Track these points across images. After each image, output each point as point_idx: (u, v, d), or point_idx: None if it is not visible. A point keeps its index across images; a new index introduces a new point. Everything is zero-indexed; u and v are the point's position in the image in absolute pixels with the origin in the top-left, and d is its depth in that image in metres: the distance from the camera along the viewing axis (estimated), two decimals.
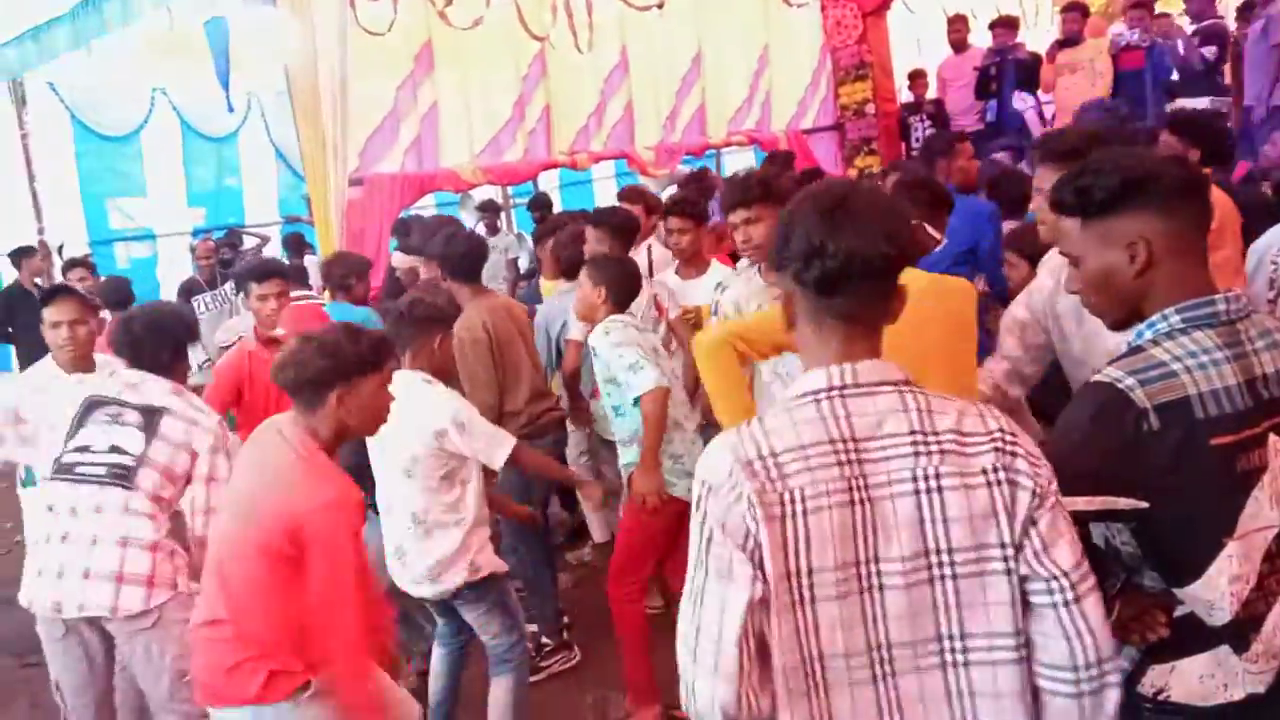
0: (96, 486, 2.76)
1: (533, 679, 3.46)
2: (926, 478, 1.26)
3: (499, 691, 3.10)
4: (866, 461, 1.26)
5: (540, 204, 8.26)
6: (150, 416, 2.86)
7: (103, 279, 7.09)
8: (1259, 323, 1.48)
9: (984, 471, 1.26)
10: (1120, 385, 1.43)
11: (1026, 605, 1.27)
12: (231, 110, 9.13)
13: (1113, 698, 1.28)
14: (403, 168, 5.95)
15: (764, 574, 1.24)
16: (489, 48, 6.36)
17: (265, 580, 2.19)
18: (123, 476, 2.78)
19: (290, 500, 2.19)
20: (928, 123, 7.97)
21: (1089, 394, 1.47)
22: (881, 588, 1.25)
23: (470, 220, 9.02)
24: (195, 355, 6.91)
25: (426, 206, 9.22)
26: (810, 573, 1.25)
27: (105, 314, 4.35)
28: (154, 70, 8.85)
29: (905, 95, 8.42)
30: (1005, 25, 8.01)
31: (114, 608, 2.69)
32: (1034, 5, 10.63)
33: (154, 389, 2.93)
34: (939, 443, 1.27)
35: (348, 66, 5.25)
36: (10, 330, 7.67)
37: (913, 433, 1.27)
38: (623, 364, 3.23)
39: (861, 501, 1.25)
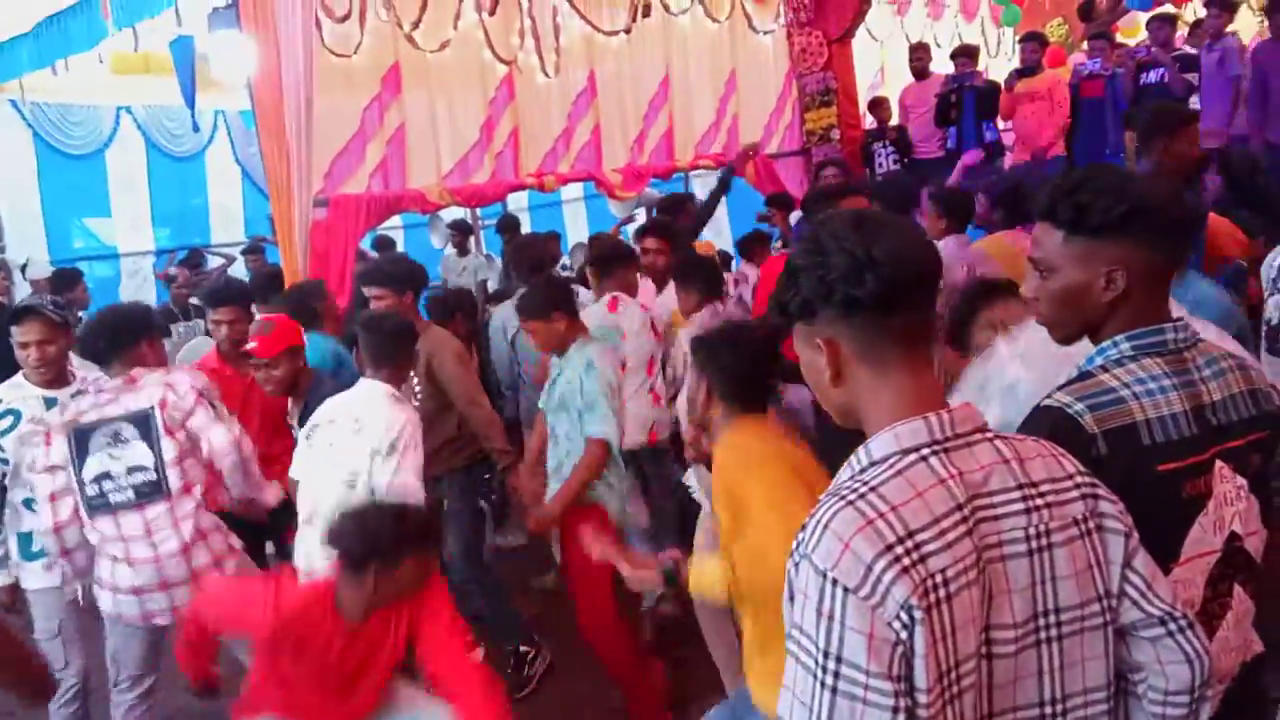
0: (136, 511, 3.06)
1: (526, 691, 3.69)
2: (1038, 535, 1.15)
3: None
4: (981, 522, 1.13)
5: (508, 225, 8.26)
6: (144, 423, 3.08)
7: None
8: (1206, 351, 1.51)
9: (1076, 522, 1.19)
10: (1070, 410, 1.43)
11: (1124, 646, 1.23)
12: (197, 129, 9.06)
13: (1208, 711, 1.28)
14: (369, 189, 5.92)
15: (911, 684, 1.06)
16: (456, 70, 6.37)
17: None
18: (155, 490, 3.07)
19: None
20: (891, 149, 8.08)
21: (1039, 419, 1.47)
22: (990, 656, 1.12)
23: (439, 241, 9.00)
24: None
25: (394, 227, 9.20)
26: (957, 665, 1.09)
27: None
28: (119, 89, 8.77)
29: (869, 122, 8.52)
30: (965, 54, 8.15)
31: None
32: (995, 35, 10.84)
33: (127, 391, 3.12)
34: (1041, 495, 1.17)
35: (313, 87, 5.23)
36: None
37: (1020, 486, 1.16)
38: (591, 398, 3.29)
39: (981, 570, 1.11)
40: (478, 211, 8.88)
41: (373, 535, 2.39)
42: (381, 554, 2.39)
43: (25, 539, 3.34)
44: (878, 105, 8.22)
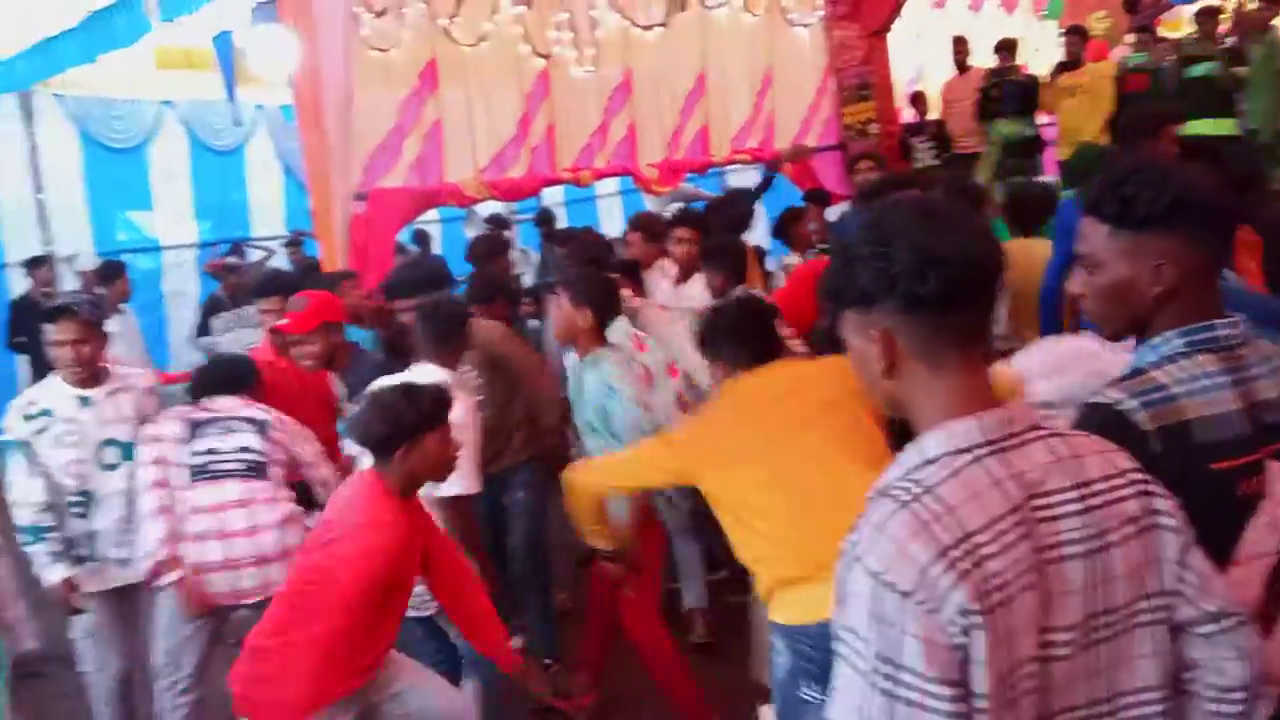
0: (239, 480, 3.17)
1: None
2: (1095, 535, 1.13)
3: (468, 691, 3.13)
4: (1039, 523, 1.10)
5: (546, 220, 8.28)
6: (260, 424, 3.29)
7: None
8: (1259, 349, 1.47)
9: (1131, 520, 1.16)
10: (1121, 408, 1.41)
11: (1180, 643, 1.20)
12: (239, 124, 9.17)
13: (1266, 710, 1.26)
14: (406, 183, 5.97)
15: (968, 689, 1.03)
16: (493, 65, 6.40)
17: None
18: (258, 470, 3.21)
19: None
20: (930, 143, 8.00)
21: (1088, 416, 1.44)
22: (1048, 659, 1.10)
23: (474, 235, 9.05)
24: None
25: (431, 221, 9.27)
26: (1016, 669, 1.06)
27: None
28: (161, 84, 8.90)
29: (907, 116, 8.45)
30: (1005, 48, 8.06)
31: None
32: (1039, 28, 10.69)
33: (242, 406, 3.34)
34: (1096, 494, 1.14)
35: (352, 82, 5.28)
36: (22, 340, 7.68)
37: (1077, 486, 1.13)
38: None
39: (1039, 572, 1.09)
40: (514, 206, 8.92)
41: (392, 416, 2.51)
42: (405, 432, 2.50)
43: (70, 544, 3.35)
44: (917, 99, 8.15)
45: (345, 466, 3.42)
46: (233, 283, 7.72)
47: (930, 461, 1.12)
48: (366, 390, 2.82)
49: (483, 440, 3.33)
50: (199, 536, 3.13)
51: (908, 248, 1.11)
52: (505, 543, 3.95)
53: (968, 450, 1.11)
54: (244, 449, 3.22)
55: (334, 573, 2.42)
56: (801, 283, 4.33)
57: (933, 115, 8.38)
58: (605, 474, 2.91)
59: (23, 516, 3.26)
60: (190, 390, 3.50)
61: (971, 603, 1.02)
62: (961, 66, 8.25)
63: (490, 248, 5.42)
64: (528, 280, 7.95)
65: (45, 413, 3.31)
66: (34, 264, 7.88)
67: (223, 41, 6.82)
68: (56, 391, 3.35)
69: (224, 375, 3.46)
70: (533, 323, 5.68)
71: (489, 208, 8.34)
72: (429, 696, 2.73)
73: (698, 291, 4.47)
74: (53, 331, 3.32)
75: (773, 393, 2.52)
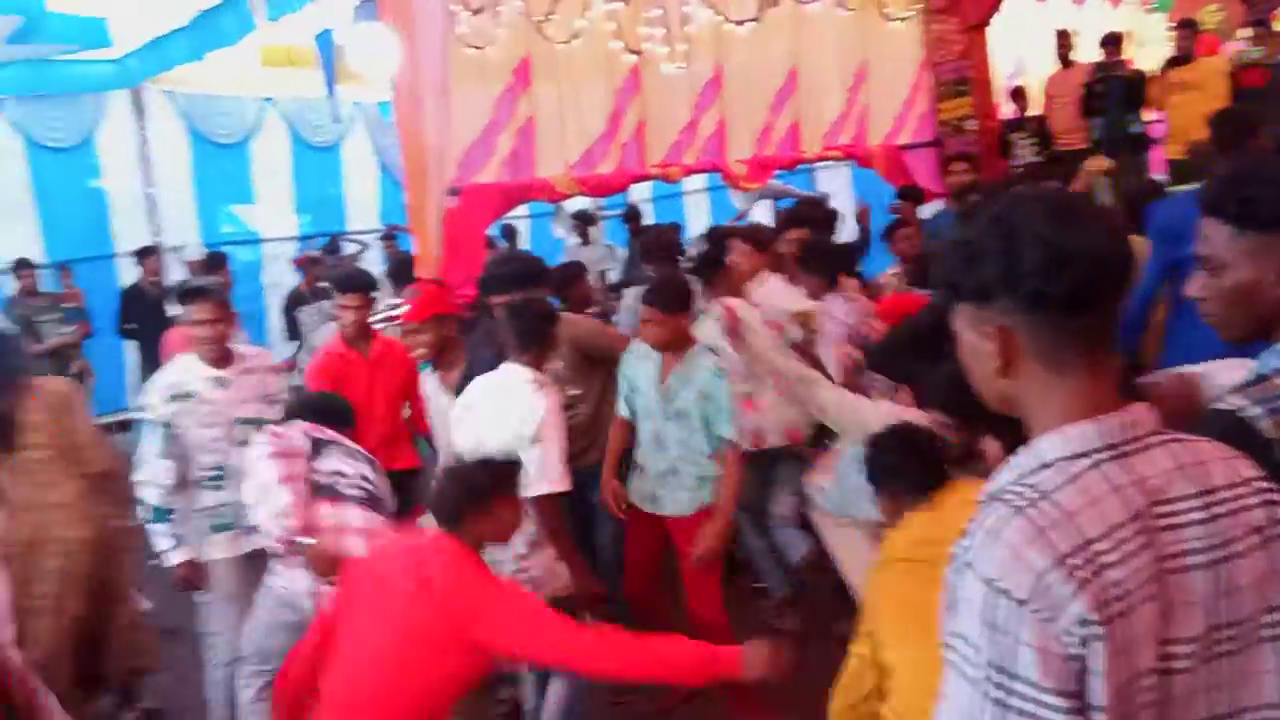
0: (360, 508, 3.10)
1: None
2: (1217, 546, 1.08)
3: (553, 698, 3.17)
4: (1161, 531, 1.06)
5: (633, 216, 8.31)
6: (372, 461, 3.26)
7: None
8: None
9: (1256, 529, 1.11)
10: (1244, 415, 1.36)
11: None
12: (338, 120, 9.42)
13: None
14: (499, 178, 6.04)
15: (1084, 701, 1.00)
16: (585, 62, 6.42)
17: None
18: (374, 501, 3.15)
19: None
20: (1031, 140, 7.78)
21: (1210, 423, 1.38)
22: (1168, 672, 1.06)
23: (562, 231, 9.14)
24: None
25: (520, 217, 9.39)
26: (1135, 681, 1.03)
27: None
28: (264, 81, 9.20)
29: (1007, 112, 8.22)
30: (1111, 42, 7.79)
31: None
32: (1147, 21, 10.29)
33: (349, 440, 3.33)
34: (1221, 502, 1.10)
35: (449, 79, 5.36)
36: (132, 327, 8.04)
37: (1201, 494, 1.09)
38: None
39: (1161, 582, 1.05)
40: (600, 202, 8.98)
41: (465, 486, 2.58)
42: (475, 500, 2.56)
43: (206, 514, 3.53)
44: (1018, 94, 7.92)
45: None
46: (315, 274, 7.96)
47: (1046, 466, 1.08)
48: (473, 393, 2.79)
49: (571, 437, 3.34)
50: None
51: (1036, 244, 1.06)
52: (592, 539, 3.97)
53: (1086, 455, 1.07)
54: (365, 478, 3.22)
55: (451, 637, 2.40)
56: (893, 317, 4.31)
57: (1034, 111, 8.13)
58: None
59: (150, 495, 3.44)
60: (293, 412, 3.46)
61: (1091, 612, 0.99)
62: (1065, 61, 7.99)
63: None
64: (614, 276, 8.00)
65: (188, 394, 3.48)
66: (143, 254, 8.24)
67: (324, 40, 7.00)
68: (194, 372, 3.52)
69: (330, 408, 3.43)
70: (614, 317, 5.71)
71: (576, 203, 8.40)
72: None
73: (778, 291, 4.45)
74: (191, 312, 3.49)
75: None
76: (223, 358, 3.56)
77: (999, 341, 1.12)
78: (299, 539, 3.08)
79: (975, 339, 1.15)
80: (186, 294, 3.59)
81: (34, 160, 8.68)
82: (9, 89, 8.11)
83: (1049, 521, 1.02)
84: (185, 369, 3.54)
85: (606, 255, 8.58)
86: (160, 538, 3.47)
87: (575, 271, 5.02)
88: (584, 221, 8.87)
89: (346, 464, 3.19)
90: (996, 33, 7.92)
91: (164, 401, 3.46)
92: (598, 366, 3.88)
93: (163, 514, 3.45)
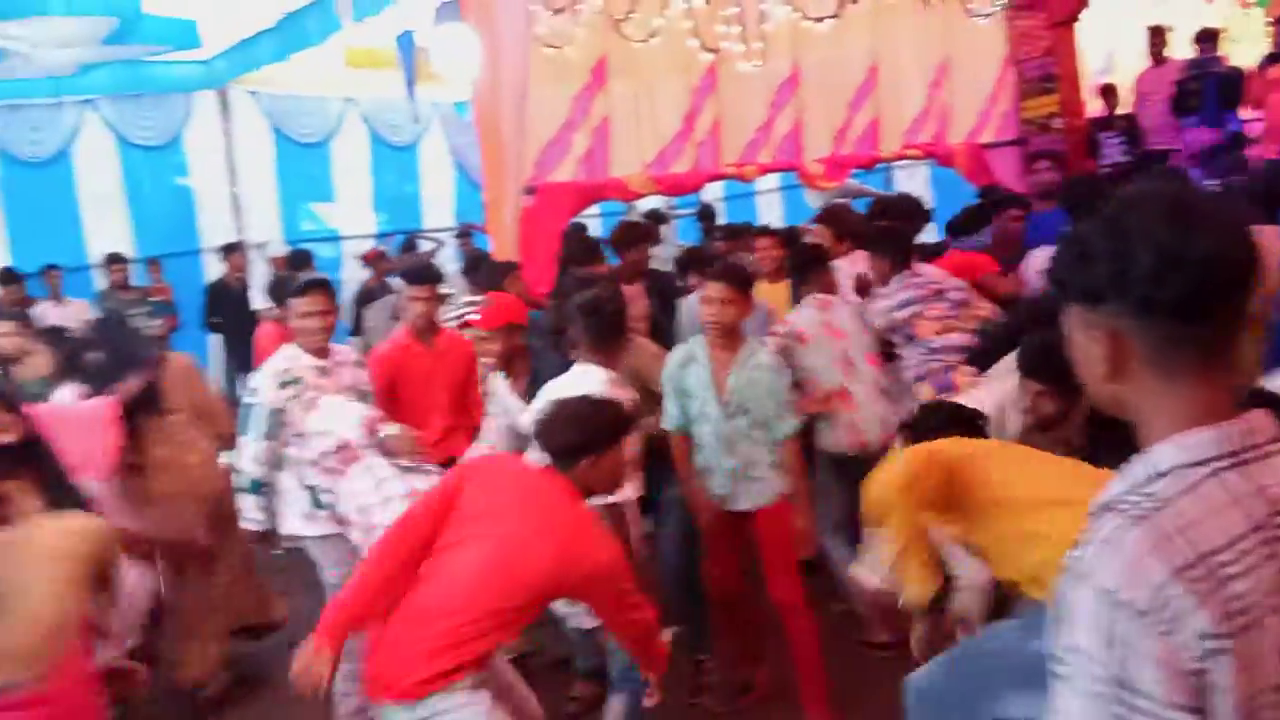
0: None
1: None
2: None
3: (615, 707, 3.16)
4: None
5: (707, 214, 8.25)
6: None
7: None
8: None
9: None
10: None
11: None
12: (417, 121, 9.55)
13: None
14: (574, 177, 6.05)
15: (1208, 718, 0.97)
16: (662, 60, 6.41)
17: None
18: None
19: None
20: (1120, 139, 7.52)
21: None
22: None
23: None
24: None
25: (591, 215, 9.40)
26: (1259, 697, 0.99)
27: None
28: (345, 81, 9.38)
29: (1094, 109, 7.97)
30: (1207, 38, 7.51)
31: None
32: (1244, 17, 9.89)
33: None
34: None
35: (527, 78, 5.39)
36: (217, 321, 8.26)
37: None
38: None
39: None
40: (673, 201, 8.94)
41: (587, 426, 2.51)
42: (595, 443, 2.50)
43: (307, 493, 3.59)
44: (1108, 92, 7.67)
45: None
46: (382, 269, 8.09)
47: (1162, 474, 1.03)
48: (547, 397, 2.80)
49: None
50: None
51: (1149, 248, 1.01)
52: (658, 536, 3.95)
53: (1204, 463, 1.02)
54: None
55: (545, 575, 2.41)
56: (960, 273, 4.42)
57: (1124, 110, 7.88)
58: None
59: (251, 470, 3.60)
60: None
61: (1214, 626, 0.95)
62: (1158, 58, 7.74)
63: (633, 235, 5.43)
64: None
65: (297, 380, 3.60)
66: (228, 250, 8.47)
67: (404, 41, 7.09)
68: (300, 361, 3.66)
69: None
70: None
71: (647, 202, 8.39)
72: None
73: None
74: (304, 303, 3.63)
75: None
76: (323, 349, 3.71)
77: (1108, 346, 1.07)
78: (381, 428, 3.19)
79: (1084, 341, 1.11)
80: (306, 285, 3.73)
81: (125, 158, 8.98)
82: (103, 89, 8.40)
83: (1168, 532, 0.98)
84: (292, 357, 3.67)
85: (678, 254, 8.54)
86: (252, 508, 3.67)
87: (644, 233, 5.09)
88: (655, 221, 8.85)
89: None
90: (1085, 28, 7.68)
91: (274, 388, 3.59)
92: (652, 395, 3.87)
93: (258, 485, 3.63)
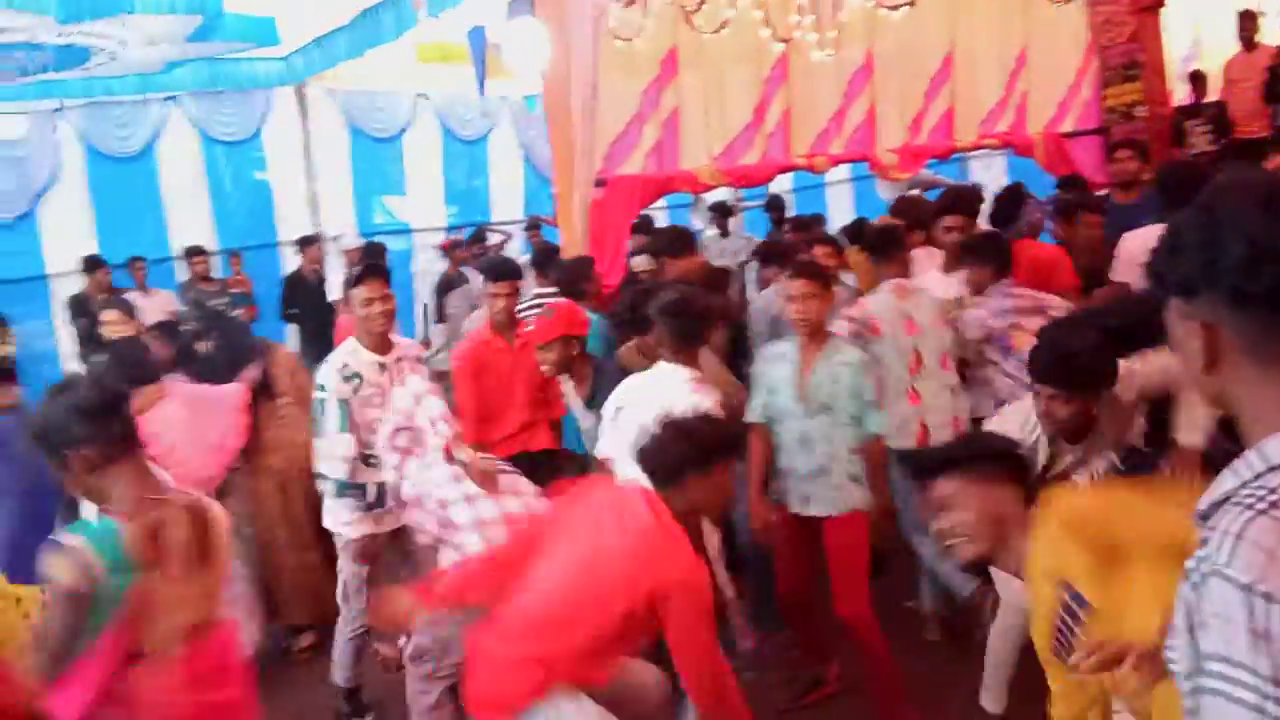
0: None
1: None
2: None
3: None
4: None
5: (776, 206, 8.18)
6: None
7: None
8: None
9: None
10: None
11: None
12: (486, 114, 9.64)
13: None
14: (644, 170, 6.05)
15: None
16: (732, 51, 6.36)
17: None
18: None
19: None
20: (1207, 127, 7.25)
21: None
22: None
23: (700, 222, 9.08)
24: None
25: (657, 208, 9.39)
26: None
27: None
28: (417, 76, 9.50)
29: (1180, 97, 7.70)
30: None
31: None
32: None
33: None
34: None
35: (598, 71, 5.39)
36: (294, 312, 8.45)
37: None
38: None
39: None
40: (740, 193, 8.88)
41: (692, 441, 2.41)
42: (698, 459, 2.40)
43: (360, 490, 3.64)
44: (1197, 79, 7.39)
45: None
46: (458, 258, 8.16)
47: (1275, 468, 0.99)
48: (625, 396, 2.72)
49: None
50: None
51: (1241, 238, 0.98)
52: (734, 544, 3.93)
53: None
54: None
55: (623, 584, 2.35)
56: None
57: (1212, 97, 7.59)
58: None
59: (334, 470, 3.57)
60: None
61: None
62: (1249, 43, 7.43)
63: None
64: (753, 270, 7.90)
65: (357, 375, 3.62)
66: (304, 243, 8.65)
67: (475, 35, 7.15)
68: (360, 357, 3.66)
69: None
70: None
71: (714, 194, 8.33)
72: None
73: (933, 280, 4.32)
74: (363, 292, 3.61)
75: None
76: (384, 344, 3.70)
77: (1203, 338, 1.05)
78: (458, 453, 3.13)
79: (1182, 335, 1.08)
80: (362, 274, 3.70)
81: (207, 153, 9.23)
82: (186, 85, 8.64)
83: None
84: (352, 352, 3.68)
85: (745, 247, 8.47)
86: (340, 512, 3.64)
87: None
88: (722, 213, 8.79)
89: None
90: (1172, 13, 7.41)
91: (340, 381, 3.60)
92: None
93: (345, 487, 3.59)
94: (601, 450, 3.39)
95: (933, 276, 4.42)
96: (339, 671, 3.80)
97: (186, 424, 3.71)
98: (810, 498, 3.41)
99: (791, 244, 5.74)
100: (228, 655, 2.31)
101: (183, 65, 8.04)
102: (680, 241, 5.41)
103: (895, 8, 6.56)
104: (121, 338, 4.49)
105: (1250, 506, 0.97)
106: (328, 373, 3.64)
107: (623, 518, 2.40)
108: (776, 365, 3.45)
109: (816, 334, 3.39)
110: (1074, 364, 2.64)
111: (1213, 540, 0.98)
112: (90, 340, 6.18)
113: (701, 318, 3.36)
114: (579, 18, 5.25)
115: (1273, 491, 0.98)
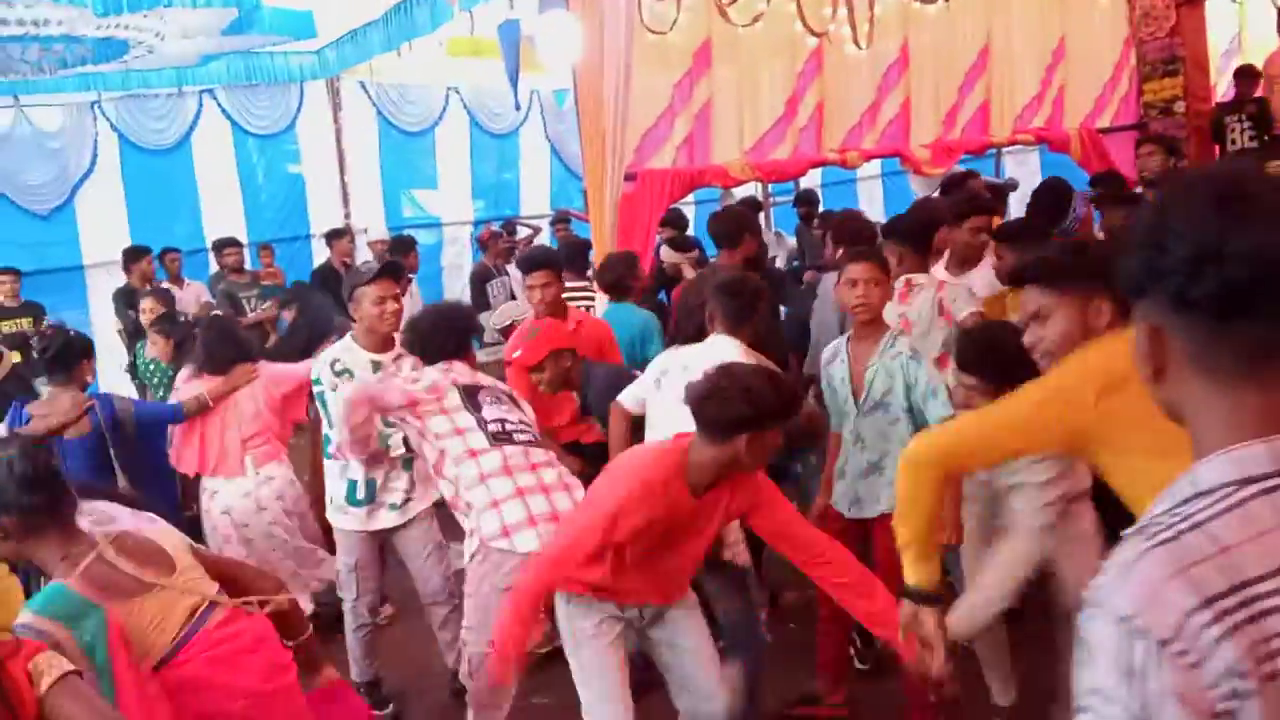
0: (538, 448, 3.19)
1: None
2: None
3: (730, 671, 3.04)
4: None
5: (807, 200, 8.12)
6: (512, 398, 3.35)
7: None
8: None
9: None
10: None
11: None
12: (518, 109, 9.64)
13: None
14: (675, 163, 6.02)
15: None
16: (765, 44, 6.31)
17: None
18: (538, 439, 3.26)
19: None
20: (1248, 124, 7.12)
21: None
22: None
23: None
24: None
25: (686, 203, 9.35)
26: None
27: None
28: (448, 70, 9.52)
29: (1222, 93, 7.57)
30: None
31: None
32: None
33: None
34: None
35: (631, 65, 5.38)
36: None
37: None
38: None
39: None
40: (770, 188, 8.83)
41: (751, 397, 2.36)
42: (755, 416, 2.36)
43: (350, 485, 3.65)
44: (1244, 74, 7.25)
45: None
46: (496, 248, 8.18)
47: (1203, 493, 0.92)
48: (716, 365, 2.67)
49: None
50: (523, 491, 3.03)
51: (1185, 237, 0.91)
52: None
53: (1255, 480, 0.91)
54: (523, 422, 3.24)
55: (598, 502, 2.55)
56: None
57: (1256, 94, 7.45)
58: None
59: (332, 469, 3.64)
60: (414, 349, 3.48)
61: (1244, 663, 0.84)
62: None
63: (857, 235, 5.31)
64: (780, 264, 7.86)
65: (348, 371, 3.59)
66: (333, 236, 8.69)
67: (507, 29, 7.15)
68: (354, 354, 3.62)
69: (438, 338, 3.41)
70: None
71: (743, 189, 8.30)
72: (695, 660, 2.76)
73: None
74: (376, 289, 3.55)
75: None
76: (386, 343, 3.65)
77: (1149, 340, 0.98)
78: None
79: (1135, 336, 1.01)
80: (380, 271, 3.66)
81: (240, 146, 9.31)
82: (222, 78, 8.71)
83: (1197, 555, 0.87)
84: (346, 348, 3.65)
85: (774, 243, 8.44)
86: (336, 499, 3.71)
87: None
88: (752, 208, 8.74)
89: (506, 413, 3.21)
90: (1216, 6, 7.28)
91: (330, 373, 3.60)
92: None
93: (354, 489, 3.63)
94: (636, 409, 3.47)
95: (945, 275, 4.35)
96: (353, 665, 3.79)
97: (267, 398, 4.33)
98: (861, 499, 3.36)
99: (820, 239, 5.69)
100: (260, 643, 2.31)
101: (217, 59, 8.10)
102: (735, 228, 5.32)
103: (930, 1, 6.49)
104: (213, 316, 4.91)
105: (1152, 536, 0.92)
106: (320, 368, 3.64)
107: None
108: (831, 365, 3.42)
109: (874, 325, 3.33)
110: (997, 357, 2.67)
111: (1109, 567, 0.93)
112: (139, 333, 6.22)
113: (755, 298, 3.38)
114: (613, 11, 5.23)
115: (1185, 519, 0.91)
